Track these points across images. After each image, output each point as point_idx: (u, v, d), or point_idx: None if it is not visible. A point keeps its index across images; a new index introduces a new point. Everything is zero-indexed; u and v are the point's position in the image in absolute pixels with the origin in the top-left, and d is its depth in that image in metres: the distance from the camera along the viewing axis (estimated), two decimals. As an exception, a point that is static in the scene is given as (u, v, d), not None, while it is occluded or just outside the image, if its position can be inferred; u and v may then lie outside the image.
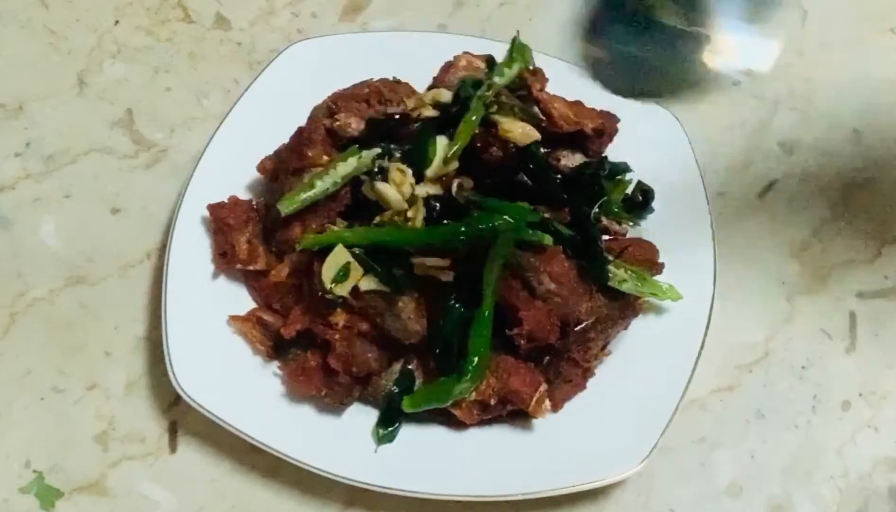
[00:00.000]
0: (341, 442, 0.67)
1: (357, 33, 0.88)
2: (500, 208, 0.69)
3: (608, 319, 0.71)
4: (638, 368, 0.71)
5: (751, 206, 0.83)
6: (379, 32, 0.88)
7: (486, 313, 0.66)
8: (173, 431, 0.71)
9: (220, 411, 0.66)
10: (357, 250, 0.67)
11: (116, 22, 0.89)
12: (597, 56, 0.73)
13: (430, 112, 0.74)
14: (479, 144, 0.72)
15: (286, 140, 0.74)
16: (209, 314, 0.71)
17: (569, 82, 0.78)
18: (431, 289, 0.68)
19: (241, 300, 0.72)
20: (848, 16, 0.94)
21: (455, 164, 0.72)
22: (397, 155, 0.72)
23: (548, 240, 0.69)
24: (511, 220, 0.68)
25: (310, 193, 0.69)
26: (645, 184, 0.76)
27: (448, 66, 0.79)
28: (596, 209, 0.72)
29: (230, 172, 0.76)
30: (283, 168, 0.73)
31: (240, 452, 0.70)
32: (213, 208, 0.72)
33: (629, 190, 0.76)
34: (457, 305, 0.67)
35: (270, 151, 0.76)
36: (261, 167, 0.75)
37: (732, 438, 0.73)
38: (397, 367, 0.69)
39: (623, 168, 0.76)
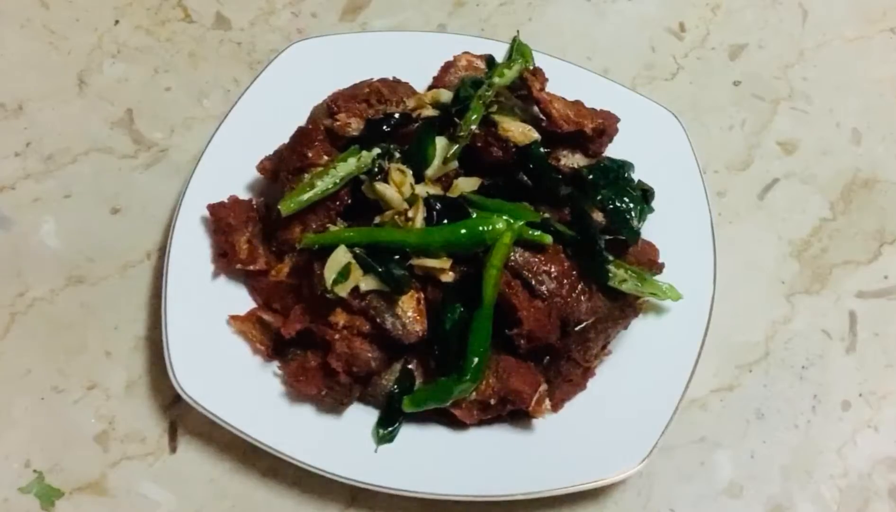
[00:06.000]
0: (341, 442, 0.67)
1: (357, 33, 0.88)
2: (500, 208, 0.69)
3: (608, 319, 0.71)
4: (638, 368, 0.71)
5: (751, 206, 0.84)
6: (379, 32, 0.88)
7: (486, 313, 0.66)
8: (173, 431, 0.71)
9: (220, 411, 0.66)
10: (357, 250, 0.67)
11: (116, 22, 0.89)
12: None
13: (430, 112, 0.74)
14: (479, 144, 0.72)
15: (286, 140, 0.74)
16: (209, 314, 0.71)
17: (569, 82, 0.79)
18: (431, 289, 0.68)
19: (241, 300, 0.72)
20: (848, 16, 0.94)
21: (455, 164, 0.72)
22: (397, 155, 0.72)
23: (548, 240, 0.69)
24: (511, 220, 0.68)
25: (310, 193, 0.69)
26: (645, 184, 0.76)
27: (448, 66, 0.79)
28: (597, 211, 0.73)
29: (230, 172, 0.76)
30: (283, 168, 0.73)
31: (240, 452, 0.70)
32: (213, 208, 0.72)
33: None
34: (457, 305, 0.67)
35: (270, 151, 0.76)
36: (261, 167, 0.75)
37: (732, 438, 0.73)
38: (397, 367, 0.69)
39: (625, 166, 0.75)
